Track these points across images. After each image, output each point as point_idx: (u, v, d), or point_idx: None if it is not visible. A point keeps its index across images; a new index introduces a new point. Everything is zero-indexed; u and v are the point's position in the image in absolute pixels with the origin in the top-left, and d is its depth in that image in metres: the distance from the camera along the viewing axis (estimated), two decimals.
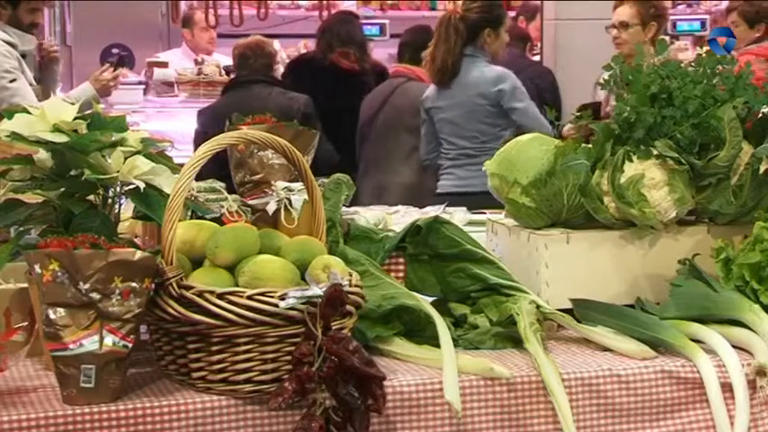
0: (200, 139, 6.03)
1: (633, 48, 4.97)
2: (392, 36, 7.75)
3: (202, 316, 1.89)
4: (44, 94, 5.20)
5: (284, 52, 7.86)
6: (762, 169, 2.43)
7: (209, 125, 6.05)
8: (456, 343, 2.14)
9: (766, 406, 2.11)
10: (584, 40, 5.59)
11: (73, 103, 2.18)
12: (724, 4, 9.90)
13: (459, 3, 5.60)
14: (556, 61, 6.94)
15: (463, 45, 5.26)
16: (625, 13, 5.03)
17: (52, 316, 1.86)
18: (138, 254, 1.88)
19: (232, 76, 6.58)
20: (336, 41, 6.27)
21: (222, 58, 7.80)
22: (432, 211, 3.23)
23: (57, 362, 1.88)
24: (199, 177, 2.07)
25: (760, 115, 2.53)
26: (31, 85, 5.23)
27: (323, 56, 6.30)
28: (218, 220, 2.36)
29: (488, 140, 5.28)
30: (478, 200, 3.71)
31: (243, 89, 6.06)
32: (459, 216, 3.19)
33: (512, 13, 7.94)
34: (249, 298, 1.89)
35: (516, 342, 2.20)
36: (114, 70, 5.91)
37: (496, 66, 5.37)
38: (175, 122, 6.62)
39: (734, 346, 2.16)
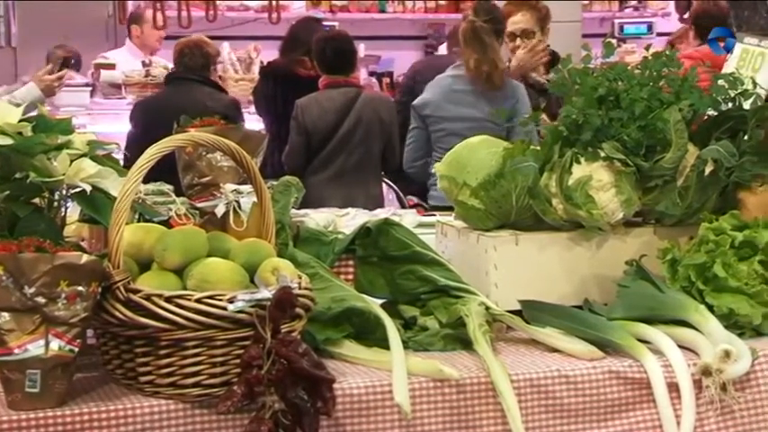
0: (132, 137, 5.96)
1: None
2: None
3: (150, 319, 1.87)
4: None
5: (234, 54, 7.82)
6: (707, 171, 2.46)
7: (143, 123, 5.96)
8: (406, 345, 2.14)
9: (712, 405, 2.13)
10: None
11: (18, 105, 2.15)
12: (670, 7, 10.01)
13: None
14: None
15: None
16: (523, 21, 5.02)
17: None
18: (85, 257, 1.86)
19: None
20: (295, 49, 6.40)
21: (168, 58, 7.74)
22: (381, 214, 3.24)
23: (1, 367, 1.86)
24: (145, 180, 2.05)
25: (705, 117, 2.56)
26: None
27: (286, 63, 6.45)
28: (166, 223, 2.34)
29: None
30: None
31: (173, 87, 6.11)
32: (408, 218, 3.20)
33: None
34: (197, 301, 1.87)
35: (466, 344, 2.20)
36: (59, 70, 5.85)
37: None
38: (123, 124, 6.54)
39: (680, 347, 2.18)
